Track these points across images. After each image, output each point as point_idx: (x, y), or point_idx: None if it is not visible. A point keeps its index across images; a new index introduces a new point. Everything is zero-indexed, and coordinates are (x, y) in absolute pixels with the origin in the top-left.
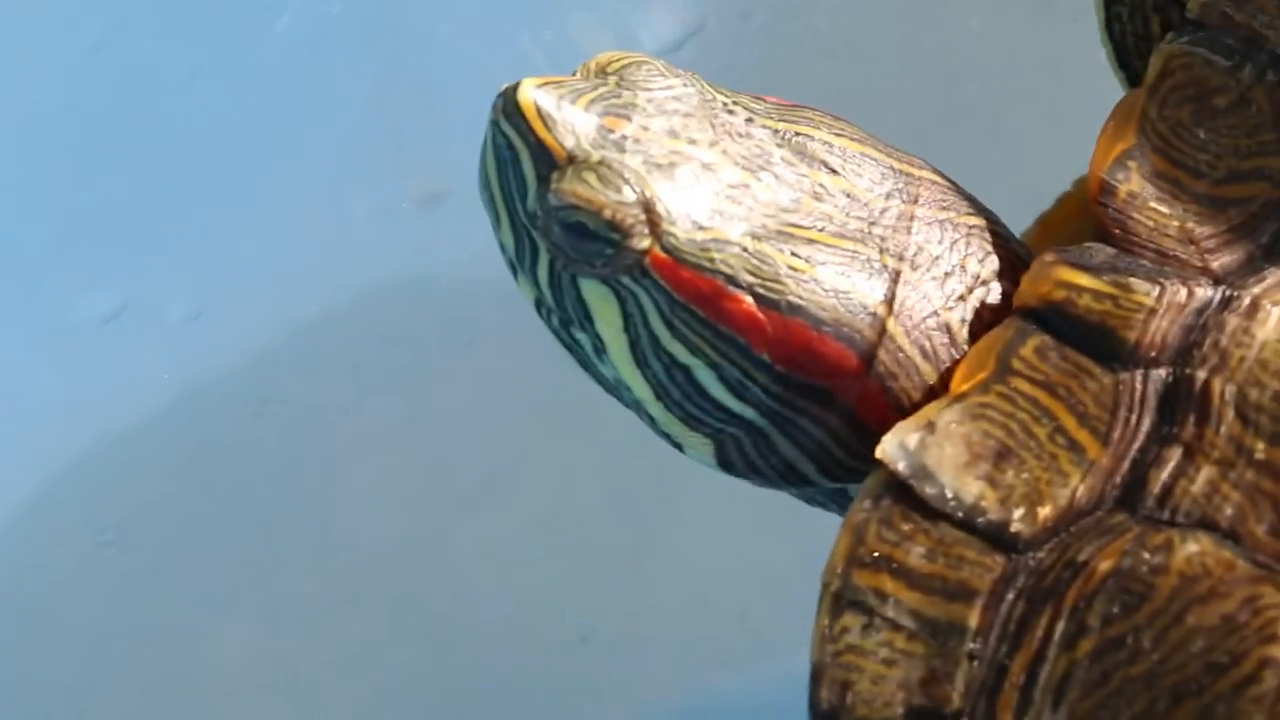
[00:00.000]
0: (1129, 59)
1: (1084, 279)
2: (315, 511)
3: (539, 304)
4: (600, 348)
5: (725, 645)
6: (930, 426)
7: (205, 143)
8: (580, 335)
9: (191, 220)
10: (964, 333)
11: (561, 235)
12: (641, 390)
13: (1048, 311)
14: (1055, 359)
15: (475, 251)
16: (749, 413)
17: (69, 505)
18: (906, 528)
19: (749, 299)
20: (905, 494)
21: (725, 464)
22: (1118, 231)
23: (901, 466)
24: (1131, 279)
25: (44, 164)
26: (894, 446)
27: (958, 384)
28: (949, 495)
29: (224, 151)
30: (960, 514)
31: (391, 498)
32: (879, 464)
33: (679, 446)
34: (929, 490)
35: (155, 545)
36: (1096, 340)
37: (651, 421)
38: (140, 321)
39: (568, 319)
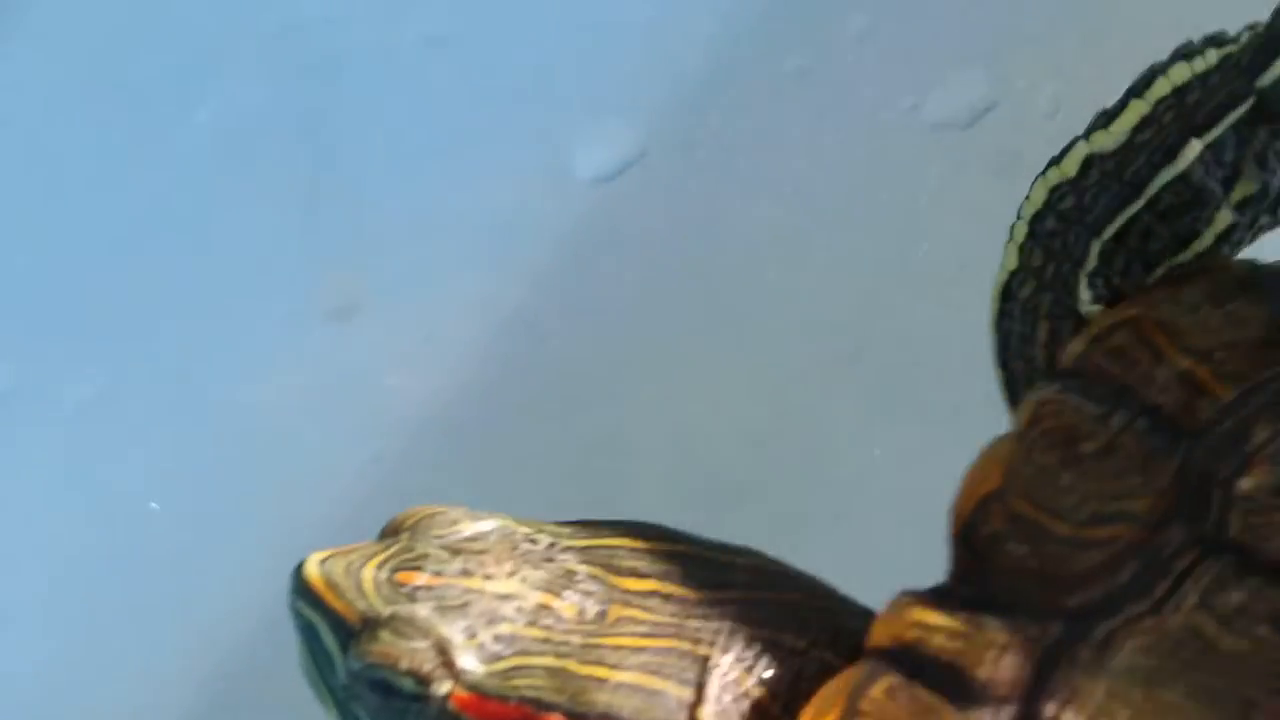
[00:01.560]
0: (1009, 358)
1: (938, 618)
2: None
3: None
4: None
5: None
6: None
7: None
8: None
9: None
10: (776, 707)
11: (370, 697)
12: None
13: (900, 651)
14: (904, 699)
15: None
16: None
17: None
18: None
19: (561, 716)
20: None
21: None
22: (976, 572)
23: None
24: (985, 617)
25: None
26: None
27: None
28: None
29: None
30: None
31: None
32: None
33: None
34: None
35: None
36: (947, 680)
37: None
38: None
39: None
